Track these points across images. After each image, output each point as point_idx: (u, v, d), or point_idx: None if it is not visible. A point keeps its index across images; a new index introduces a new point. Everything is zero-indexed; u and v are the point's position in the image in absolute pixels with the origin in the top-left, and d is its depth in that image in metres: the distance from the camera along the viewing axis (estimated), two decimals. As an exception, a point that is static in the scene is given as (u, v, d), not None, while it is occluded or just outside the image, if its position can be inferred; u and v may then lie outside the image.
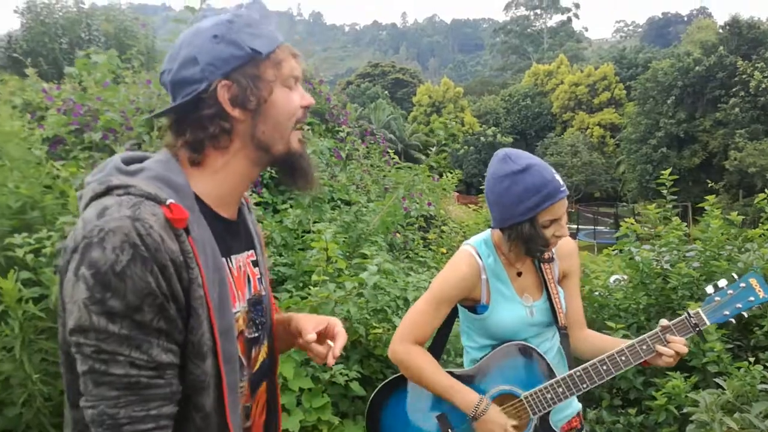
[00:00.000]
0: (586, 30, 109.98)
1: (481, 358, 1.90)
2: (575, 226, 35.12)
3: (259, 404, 1.33)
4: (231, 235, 1.22)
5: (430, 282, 3.52)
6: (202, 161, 1.16)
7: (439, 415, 1.88)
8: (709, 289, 1.87)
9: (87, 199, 1.06)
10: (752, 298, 1.82)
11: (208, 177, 1.16)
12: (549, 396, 1.80)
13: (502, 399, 1.85)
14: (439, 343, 2.01)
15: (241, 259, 1.23)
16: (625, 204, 31.83)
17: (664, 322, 1.83)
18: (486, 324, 1.88)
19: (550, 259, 1.94)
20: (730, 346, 3.36)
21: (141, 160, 1.17)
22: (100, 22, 12.37)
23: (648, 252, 4.11)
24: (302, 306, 2.62)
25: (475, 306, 1.90)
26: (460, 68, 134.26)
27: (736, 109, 31.16)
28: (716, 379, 2.83)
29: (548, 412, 1.83)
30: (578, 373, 1.80)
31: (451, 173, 6.49)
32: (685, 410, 2.79)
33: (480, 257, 1.88)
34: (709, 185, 11.96)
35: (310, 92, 5.92)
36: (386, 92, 54.57)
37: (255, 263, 1.29)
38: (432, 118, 49.85)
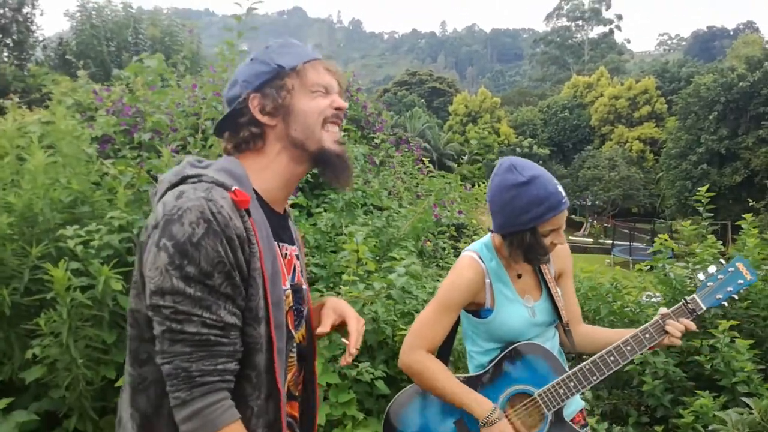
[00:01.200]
0: (629, 42, 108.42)
1: (488, 362, 1.95)
2: (610, 242, 34.70)
3: (300, 382, 1.48)
4: (281, 226, 1.41)
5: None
6: (249, 158, 1.37)
7: (456, 421, 1.92)
8: (701, 276, 2.01)
9: (163, 189, 1.26)
10: (741, 281, 1.97)
11: (257, 174, 1.36)
12: (562, 391, 1.87)
13: (516, 399, 1.91)
14: (446, 350, 2.05)
15: (289, 249, 1.42)
16: (663, 220, 31.26)
17: (663, 310, 1.94)
18: (491, 327, 1.93)
19: (547, 260, 1.98)
20: (762, 366, 3.33)
21: (207, 166, 1.36)
22: (146, 26, 12.77)
23: (681, 269, 4.11)
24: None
25: (478, 310, 1.95)
26: (498, 78, 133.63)
27: (781, 127, 30.39)
28: (744, 398, 2.83)
29: (561, 408, 1.88)
30: (588, 366, 1.88)
31: (483, 183, 6.55)
32: (710, 428, 2.79)
33: (483, 261, 1.94)
34: (750, 204, 11.70)
35: (347, 99, 6.07)
36: (422, 101, 54.64)
37: (298, 257, 1.47)
38: (468, 128, 49.83)
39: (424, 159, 6.52)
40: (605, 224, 39.79)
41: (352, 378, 2.79)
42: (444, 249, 4.98)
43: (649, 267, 5.13)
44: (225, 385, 1.17)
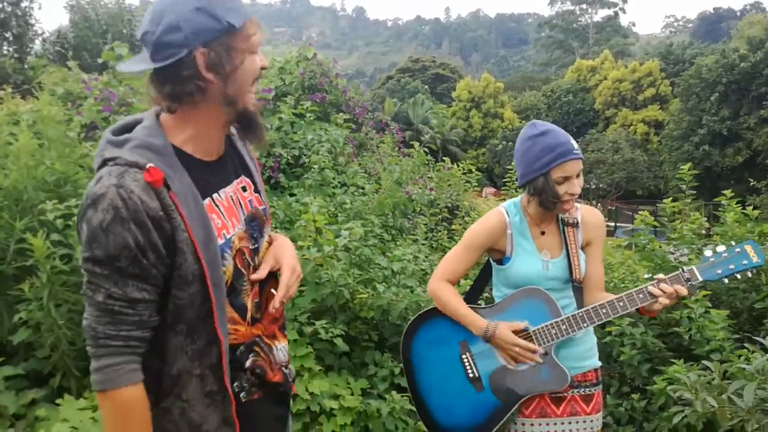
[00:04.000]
0: (634, 25, 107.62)
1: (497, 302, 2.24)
2: (613, 224, 34.72)
3: (269, 298, 1.59)
4: (214, 173, 1.48)
5: (416, 255, 3.85)
6: (179, 112, 1.40)
7: (462, 341, 2.22)
8: (707, 252, 2.09)
9: (95, 168, 1.39)
10: (746, 262, 2.03)
11: (185, 128, 1.41)
12: (554, 331, 2.11)
13: (515, 332, 2.16)
14: (477, 290, 2.39)
15: (230, 190, 1.51)
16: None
17: (660, 276, 2.09)
18: (508, 274, 2.19)
19: (575, 224, 2.21)
20: (738, 336, 3.43)
21: (131, 126, 1.41)
22: (140, 18, 13.00)
23: (664, 244, 4.19)
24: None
25: (501, 258, 2.22)
26: (503, 63, 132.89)
27: (783, 107, 30.29)
28: (705, 362, 2.98)
29: (551, 345, 2.12)
30: (580, 314, 2.10)
31: (464, 163, 6.73)
32: (669, 387, 2.84)
33: (508, 215, 2.21)
34: (752, 184, 11.55)
35: (328, 86, 6.30)
36: (426, 87, 54.59)
37: (244, 188, 1.56)
38: (471, 114, 49.85)
39: (423, 147, 6.66)
40: (609, 207, 39.81)
41: (309, 334, 3.04)
42: (438, 229, 5.24)
43: (627, 243, 5.29)
44: (129, 350, 1.31)
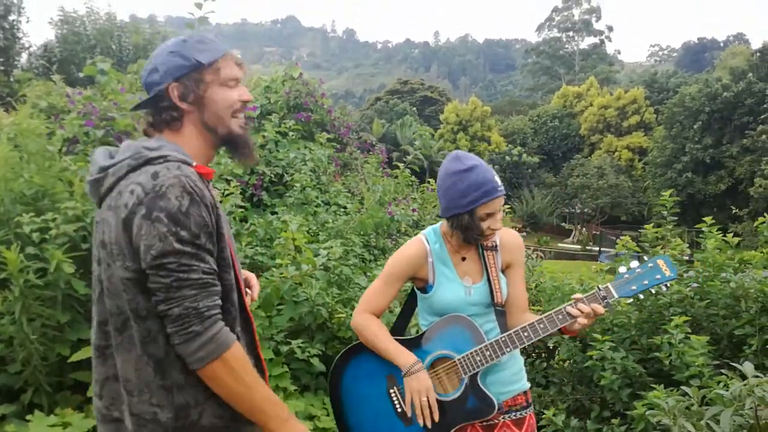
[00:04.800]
0: (619, 53, 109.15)
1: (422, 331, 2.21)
2: (597, 248, 34.98)
3: None
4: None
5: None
6: (161, 137, 1.59)
7: (389, 375, 2.18)
8: (622, 269, 2.13)
9: (123, 171, 1.49)
10: (659, 276, 2.08)
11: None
12: (479, 358, 2.08)
13: (440, 361, 2.16)
14: (402, 322, 2.35)
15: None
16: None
17: (577, 295, 2.11)
18: (431, 302, 2.19)
19: (494, 248, 2.22)
20: (718, 362, 3.37)
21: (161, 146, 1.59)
22: (129, 34, 13.04)
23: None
24: (265, 285, 2.96)
25: (425, 286, 2.21)
26: (490, 88, 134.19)
27: (764, 136, 30.70)
28: (684, 387, 2.97)
29: (477, 373, 2.11)
30: (503, 338, 2.09)
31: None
32: (648, 413, 2.85)
33: (428, 242, 2.21)
34: (734, 212, 11.57)
35: (313, 105, 6.34)
36: (414, 109, 54.99)
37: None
38: (458, 136, 50.18)
39: (407, 167, 6.69)
40: (593, 232, 40.07)
41: (285, 353, 3.02)
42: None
43: (609, 268, 5.31)
44: (221, 316, 1.48)
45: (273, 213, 4.92)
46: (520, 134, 51.40)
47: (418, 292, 2.27)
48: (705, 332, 3.68)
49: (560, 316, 2.07)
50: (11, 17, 16.95)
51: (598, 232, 39.02)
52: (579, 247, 36.53)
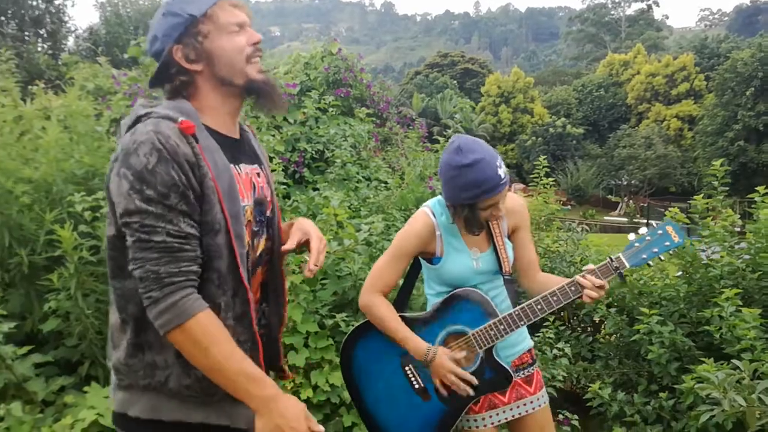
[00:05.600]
0: (667, 18, 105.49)
1: (433, 306, 2.20)
2: (645, 221, 34.16)
3: (254, 285, 1.65)
4: (236, 148, 1.58)
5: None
6: (193, 102, 1.51)
7: (403, 354, 2.17)
8: (631, 236, 2.12)
9: (124, 129, 1.47)
10: (668, 243, 2.07)
11: (201, 112, 1.52)
12: (492, 333, 2.09)
13: (453, 337, 2.16)
14: (404, 297, 2.33)
15: (247, 169, 1.60)
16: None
17: (589, 266, 2.09)
18: (440, 273, 2.18)
19: (481, 230, 2.17)
20: None
21: (158, 104, 1.52)
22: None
23: (696, 242, 4.07)
24: (305, 260, 3.00)
25: (431, 258, 2.20)
26: (533, 58, 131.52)
27: (822, 101, 29.50)
28: (735, 361, 2.92)
29: (492, 347, 2.11)
30: (516, 312, 2.08)
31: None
32: (696, 386, 2.78)
33: (434, 216, 2.17)
34: None
35: (352, 80, 6.32)
36: (455, 82, 54.35)
37: (258, 174, 1.64)
38: (500, 109, 49.48)
39: (439, 137, 6.68)
40: (641, 204, 39.17)
41: (330, 326, 3.06)
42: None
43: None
44: (190, 283, 1.37)
45: (315, 189, 4.96)
46: (565, 105, 50.30)
47: (423, 262, 2.24)
48: (757, 305, 3.58)
49: (573, 288, 2.06)
50: (57, 1, 17.46)
51: (645, 204, 38.06)
52: (626, 219, 35.73)
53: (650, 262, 2.13)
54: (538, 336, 4.00)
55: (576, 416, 3.74)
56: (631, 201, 40.89)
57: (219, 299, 1.44)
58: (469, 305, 2.13)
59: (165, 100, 1.54)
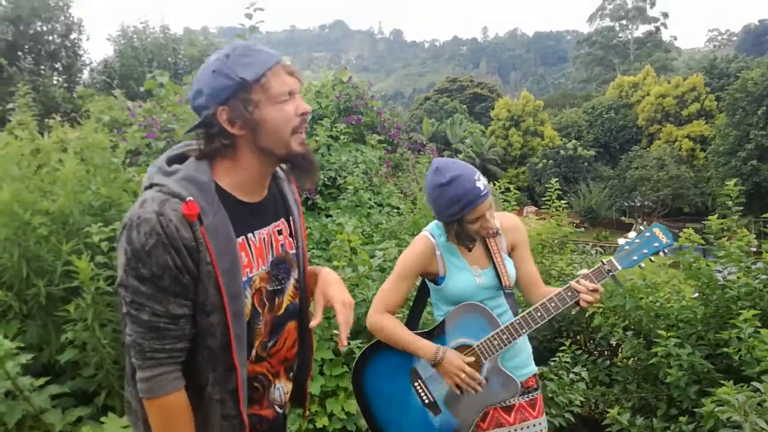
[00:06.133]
0: (675, 39, 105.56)
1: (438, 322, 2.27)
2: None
3: (289, 339, 1.69)
4: (252, 214, 1.56)
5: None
6: (220, 164, 1.51)
7: (411, 368, 2.26)
8: (621, 241, 2.20)
9: (142, 188, 1.49)
10: (657, 244, 2.15)
11: (230, 171, 1.52)
12: (496, 342, 2.16)
13: (459, 350, 2.22)
14: (414, 320, 2.41)
15: (264, 232, 1.59)
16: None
17: (583, 271, 2.20)
18: (445, 292, 2.25)
19: (496, 234, 2.29)
20: None
21: (182, 158, 1.53)
22: (184, 47, 13.41)
23: (711, 263, 4.03)
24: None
25: (435, 279, 2.27)
26: (542, 81, 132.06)
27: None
28: (756, 383, 2.87)
29: (497, 356, 2.18)
30: (518, 321, 2.16)
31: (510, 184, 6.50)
32: (716, 409, 2.71)
33: (433, 237, 2.27)
34: None
35: (363, 108, 6.38)
36: (464, 107, 54.59)
37: (280, 231, 1.64)
38: (510, 132, 49.55)
39: None
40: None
41: (345, 354, 3.06)
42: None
43: (671, 262, 5.13)
44: (172, 360, 1.43)
45: (327, 216, 4.98)
46: (575, 127, 50.29)
47: (430, 284, 2.32)
48: (778, 325, 3.53)
49: (569, 293, 2.13)
50: (72, 35, 17.86)
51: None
52: (640, 241, 35.33)
53: (642, 263, 2.18)
54: (554, 360, 3.95)
55: (594, 444, 3.66)
56: (644, 222, 40.10)
57: (208, 374, 1.48)
58: (472, 318, 2.21)
59: (192, 157, 1.52)
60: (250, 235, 1.54)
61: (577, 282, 2.14)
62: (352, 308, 1.69)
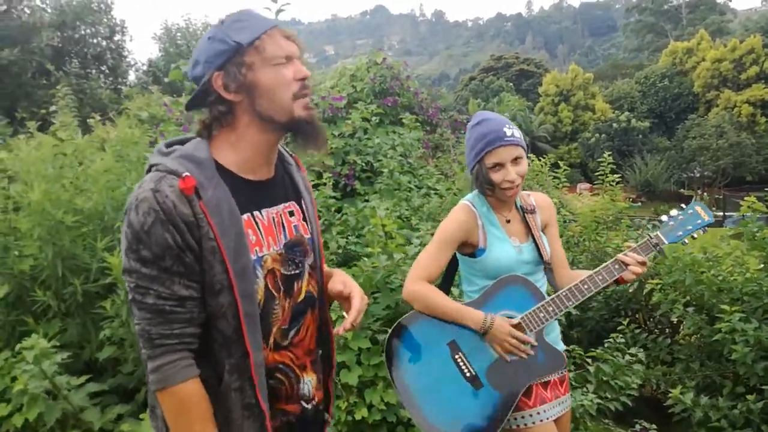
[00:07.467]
0: (730, 0, 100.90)
1: (479, 294, 2.17)
2: (721, 213, 32.53)
3: (310, 329, 1.60)
4: (258, 192, 1.49)
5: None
6: (224, 135, 1.45)
7: (450, 342, 2.13)
8: (664, 217, 2.23)
9: (144, 173, 1.43)
10: (699, 221, 2.17)
11: (228, 149, 1.45)
12: (542, 315, 2.09)
13: None
14: (446, 286, 2.32)
15: (273, 211, 1.51)
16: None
17: (629, 243, 2.18)
18: (485, 264, 2.15)
19: (533, 211, 2.26)
20: None
21: (183, 142, 1.47)
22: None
23: None
24: (356, 274, 2.90)
25: (473, 251, 2.18)
26: (591, 53, 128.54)
27: None
28: None
29: (542, 329, 2.09)
30: (564, 293, 2.09)
31: (560, 160, 6.29)
32: None
33: (475, 207, 2.19)
34: None
35: (399, 89, 6.22)
36: (511, 84, 53.67)
37: (291, 213, 1.56)
38: (560, 108, 48.45)
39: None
40: (716, 196, 37.44)
41: (383, 342, 2.94)
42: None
43: (733, 233, 4.87)
44: (183, 346, 1.35)
45: (366, 201, 4.88)
46: (627, 99, 48.82)
47: (464, 259, 2.23)
48: None
49: (616, 266, 2.10)
50: (116, 37, 18.27)
51: (721, 196, 36.36)
52: (701, 212, 34.12)
53: (685, 239, 2.18)
54: (609, 341, 3.77)
55: (654, 426, 3.49)
56: (705, 193, 39.14)
57: (224, 360, 1.40)
58: (517, 289, 2.13)
59: (195, 131, 1.49)
60: (256, 213, 1.47)
61: (625, 254, 2.11)
62: (366, 306, 1.65)
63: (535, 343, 2.09)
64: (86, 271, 3.24)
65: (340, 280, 1.66)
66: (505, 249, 2.16)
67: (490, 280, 2.15)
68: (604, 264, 2.12)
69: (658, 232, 2.18)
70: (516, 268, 2.14)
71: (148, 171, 1.40)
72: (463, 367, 2.12)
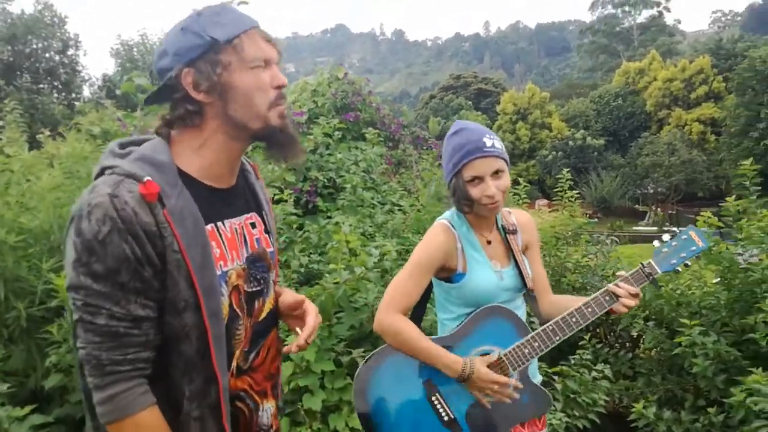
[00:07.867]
0: (679, 23, 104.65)
1: (457, 327, 1.98)
2: (675, 229, 33.28)
3: (270, 352, 1.48)
4: (222, 201, 1.37)
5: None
6: (186, 137, 1.32)
7: (425, 381, 1.94)
8: (656, 243, 2.08)
9: (93, 178, 1.27)
10: (694, 248, 2.06)
11: (191, 153, 1.32)
12: (527, 351, 1.92)
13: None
14: (417, 316, 2.10)
15: (236, 222, 1.39)
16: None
17: (621, 273, 2.01)
18: (463, 291, 1.96)
19: (514, 231, 2.08)
20: None
21: (138, 143, 1.33)
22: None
23: (731, 246, 3.89)
24: (317, 292, 2.80)
25: (451, 276, 1.98)
26: (546, 73, 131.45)
27: None
28: None
29: (526, 367, 1.93)
30: (551, 327, 1.92)
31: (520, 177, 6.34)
32: (749, 399, 2.70)
33: (454, 227, 1.98)
34: None
35: (361, 104, 6.18)
36: (469, 103, 54.35)
37: (253, 225, 1.45)
38: (518, 126, 49.20)
39: None
40: (669, 211, 38.43)
41: (347, 363, 2.85)
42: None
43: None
44: (137, 373, 1.21)
45: (328, 218, 4.79)
46: (583, 117, 49.95)
47: (440, 284, 2.02)
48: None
49: (607, 297, 1.96)
50: (69, 52, 17.81)
51: (674, 212, 37.33)
52: (655, 228, 34.94)
53: (678, 268, 2.07)
54: (575, 357, 3.75)
55: (619, 443, 3.46)
56: (658, 209, 40.16)
57: (184, 387, 1.26)
58: (499, 323, 1.95)
59: (154, 132, 1.35)
60: (219, 223, 1.34)
61: (617, 285, 1.96)
62: (319, 323, 1.56)
63: (520, 385, 1.93)
64: (31, 294, 3.05)
65: (291, 294, 1.56)
66: (486, 275, 1.97)
67: (467, 308, 1.98)
68: (594, 295, 1.97)
69: (650, 261, 2.04)
70: (496, 296, 1.97)
71: (99, 175, 1.25)
72: (441, 411, 1.94)
